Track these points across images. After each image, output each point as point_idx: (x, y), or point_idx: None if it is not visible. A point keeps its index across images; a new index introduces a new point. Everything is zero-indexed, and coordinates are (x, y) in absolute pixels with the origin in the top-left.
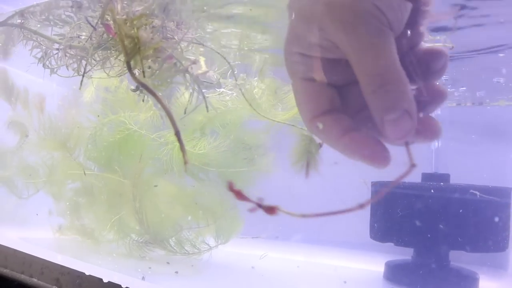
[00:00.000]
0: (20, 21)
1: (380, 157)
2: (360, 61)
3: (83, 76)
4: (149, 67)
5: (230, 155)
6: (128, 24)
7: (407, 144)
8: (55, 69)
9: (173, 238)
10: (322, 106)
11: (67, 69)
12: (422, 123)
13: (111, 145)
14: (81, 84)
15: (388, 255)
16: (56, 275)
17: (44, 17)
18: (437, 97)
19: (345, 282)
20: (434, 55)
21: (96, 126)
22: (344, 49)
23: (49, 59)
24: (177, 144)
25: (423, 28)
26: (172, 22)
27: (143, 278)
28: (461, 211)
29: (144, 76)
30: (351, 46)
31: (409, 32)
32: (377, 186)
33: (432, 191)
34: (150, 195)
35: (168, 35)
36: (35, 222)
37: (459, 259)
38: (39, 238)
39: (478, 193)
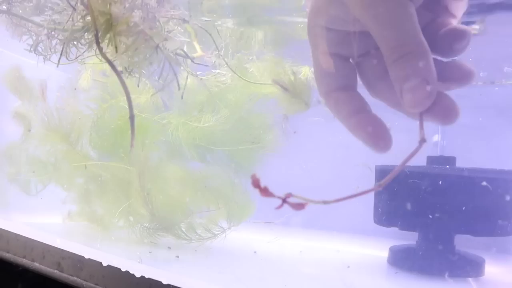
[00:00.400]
0: (6, 7)
1: (380, 142)
2: (382, 33)
3: (59, 59)
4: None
5: (236, 133)
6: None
7: (421, 116)
8: (48, 56)
9: (184, 223)
10: (338, 82)
11: (51, 53)
12: (437, 101)
13: (114, 132)
14: (58, 63)
15: (392, 240)
16: (57, 259)
17: (31, 4)
18: (463, 76)
19: (348, 266)
20: (457, 34)
21: (97, 113)
22: (365, 22)
23: (39, 45)
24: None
25: (454, 9)
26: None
27: (140, 262)
28: (466, 195)
29: (116, 52)
30: (372, 18)
31: (433, 5)
32: (380, 170)
33: (437, 174)
34: (158, 180)
35: (150, 12)
36: (45, 208)
37: (465, 243)
38: (49, 223)
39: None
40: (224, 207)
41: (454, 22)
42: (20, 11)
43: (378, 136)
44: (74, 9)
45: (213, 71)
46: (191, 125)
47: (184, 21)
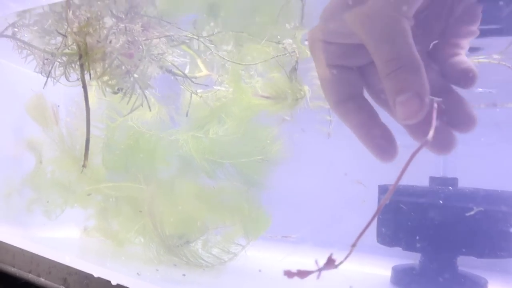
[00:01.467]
0: (13, 30)
1: (385, 155)
2: (376, 48)
3: (47, 78)
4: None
5: (243, 146)
6: (77, 30)
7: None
8: (56, 77)
9: (199, 240)
10: (344, 91)
11: (56, 75)
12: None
13: (124, 151)
14: (44, 84)
15: (395, 259)
16: (63, 275)
17: (36, 28)
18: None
19: (351, 287)
20: (468, 76)
21: (107, 133)
22: (361, 36)
23: (43, 67)
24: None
25: (460, 40)
26: (137, 25)
27: (138, 274)
28: (469, 216)
29: (90, 78)
30: (367, 33)
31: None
32: (384, 189)
33: (440, 195)
34: (170, 197)
35: (135, 37)
36: (64, 222)
37: (468, 264)
38: (67, 238)
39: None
40: (240, 222)
41: (463, 49)
42: (25, 35)
43: (384, 149)
44: (65, 36)
45: (215, 87)
46: (200, 138)
47: (183, 42)
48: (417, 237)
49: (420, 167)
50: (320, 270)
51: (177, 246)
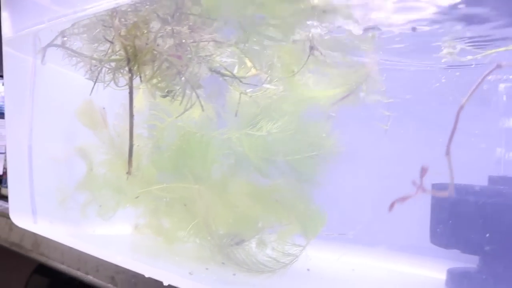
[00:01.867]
0: (63, 40)
1: None
2: None
3: (94, 84)
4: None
5: (295, 143)
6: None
7: None
8: (106, 83)
9: (254, 239)
10: None
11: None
12: None
13: (175, 152)
14: (91, 90)
15: (448, 261)
16: (111, 273)
17: (85, 35)
18: None
19: None
20: None
21: (156, 134)
22: None
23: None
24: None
25: None
26: (184, 27)
27: (190, 273)
28: None
29: (140, 81)
30: None
31: None
32: (438, 188)
33: (502, 195)
34: (223, 197)
35: (182, 40)
36: (112, 220)
37: None
38: (115, 235)
39: None
40: (296, 221)
41: None
42: (75, 43)
43: None
44: (111, 42)
45: (264, 85)
46: (253, 135)
47: (230, 45)
48: (474, 240)
49: (476, 167)
50: (418, 188)
51: (230, 245)
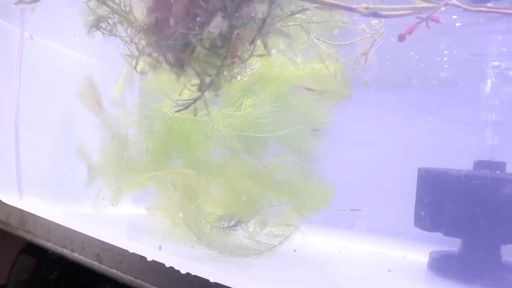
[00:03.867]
0: None
1: None
2: None
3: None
4: None
5: (283, 119)
6: None
7: None
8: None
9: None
10: None
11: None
12: None
13: (162, 138)
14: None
15: (432, 245)
16: (97, 251)
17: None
18: None
19: (389, 270)
20: None
21: (146, 122)
22: None
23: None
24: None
25: None
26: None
27: (159, 248)
28: None
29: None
30: None
31: None
32: (422, 172)
33: (485, 179)
34: (217, 179)
35: None
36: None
37: None
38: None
39: None
40: (296, 198)
41: None
42: None
43: None
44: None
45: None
46: (230, 115)
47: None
48: (458, 223)
49: (464, 152)
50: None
51: (226, 227)
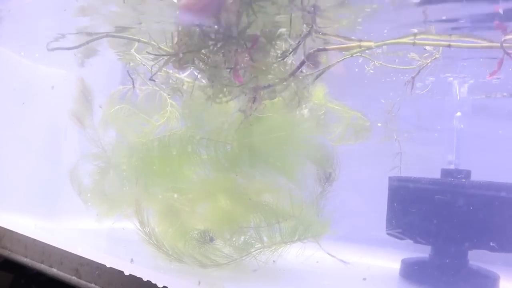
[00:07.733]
0: None
1: None
2: None
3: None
4: None
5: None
6: None
7: None
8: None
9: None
10: None
11: None
12: None
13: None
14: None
15: (404, 251)
16: (75, 266)
17: None
18: None
19: (364, 279)
20: None
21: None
22: None
23: None
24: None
25: None
26: None
27: (131, 261)
28: (481, 209)
29: None
30: None
31: None
32: (393, 181)
33: (452, 187)
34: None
35: None
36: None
37: (481, 258)
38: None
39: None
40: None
41: None
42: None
43: None
44: None
45: None
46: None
47: None
48: (428, 230)
49: (431, 160)
50: None
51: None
